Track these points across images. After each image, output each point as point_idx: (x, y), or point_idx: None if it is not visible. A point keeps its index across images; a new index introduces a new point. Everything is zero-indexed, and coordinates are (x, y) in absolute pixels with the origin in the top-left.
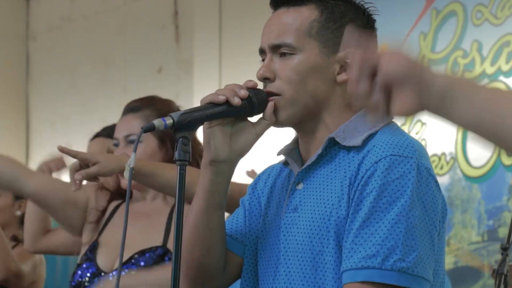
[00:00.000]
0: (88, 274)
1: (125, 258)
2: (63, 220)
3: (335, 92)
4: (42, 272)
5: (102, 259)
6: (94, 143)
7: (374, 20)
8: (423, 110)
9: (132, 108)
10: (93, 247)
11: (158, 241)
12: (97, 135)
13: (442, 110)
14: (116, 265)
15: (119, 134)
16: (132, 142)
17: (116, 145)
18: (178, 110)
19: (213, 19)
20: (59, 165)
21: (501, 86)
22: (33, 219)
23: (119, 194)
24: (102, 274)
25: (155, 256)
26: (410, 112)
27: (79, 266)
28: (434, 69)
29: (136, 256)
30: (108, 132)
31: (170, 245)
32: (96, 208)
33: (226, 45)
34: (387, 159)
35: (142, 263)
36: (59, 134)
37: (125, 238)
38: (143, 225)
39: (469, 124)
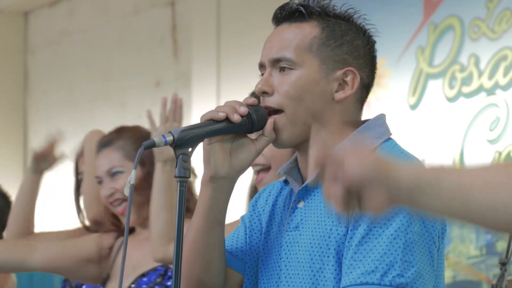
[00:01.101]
0: None
1: (129, 282)
2: (83, 278)
3: (333, 109)
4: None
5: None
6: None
7: (374, 42)
8: (394, 205)
9: (105, 142)
10: (105, 280)
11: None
12: None
13: (413, 203)
14: (141, 270)
15: (100, 171)
16: (115, 173)
17: (100, 182)
18: (148, 133)
19: (211, 33)
20: (50, 151)
21: (498, 100)
22: (18, 217)
23: (122, 230)
24: None
25: (155, 275)
26: (382, 210)
27: None
28: (399, 164)
29: (138, 279)
30: None
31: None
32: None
33: (224, 59)
34: None
35: (144, 286)
36: (57, 148)
37: (126, 258)
38: (146, 250)
39: (442, 213)
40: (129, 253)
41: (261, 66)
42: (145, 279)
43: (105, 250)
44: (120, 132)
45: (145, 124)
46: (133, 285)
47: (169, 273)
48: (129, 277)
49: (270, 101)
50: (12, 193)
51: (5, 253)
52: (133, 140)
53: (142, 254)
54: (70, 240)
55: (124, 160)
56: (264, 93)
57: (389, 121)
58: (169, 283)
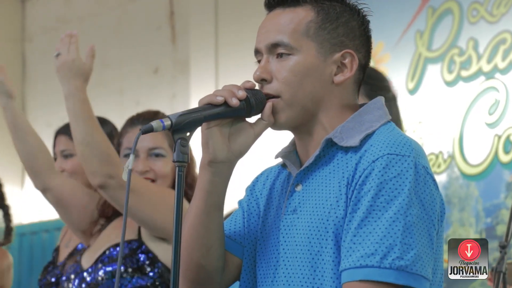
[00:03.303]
0: (72, 275)
1: (99, 253)
2: (76, 225)
3: (332, 93)
4: (9, 280)
5: (85, 258)
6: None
7: (368, 21)
8: None
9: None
10: (83, 251)
11: (133, 235)
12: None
13: None
14: (92, 261)
15: (140, 145)
16: (158, 155)
17: (127, 155)
18: None
19: (209, 19)
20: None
21: (497, 83)
22: (38, 153)
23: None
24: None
25: (127, 250)
26: None
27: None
28: None
29: (110, 249)
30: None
31: (145, 238)
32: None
33: (222, 45)
34: (384, 158)
35: (114, 255)
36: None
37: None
38: (119, 223)
39: None
40: (109, 230)
41: (257, 52)
42: (116, 250)
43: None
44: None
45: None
46: (107, 252)
47: (143, 248)
48: (102, 247)
49: (270, 88)
50: (10, 179)
51: (40, 151)
52: None
53: (114, 227)
54: (82, 186)
55: (168, 146)
56: (263, 80)
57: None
58: (141, 257)
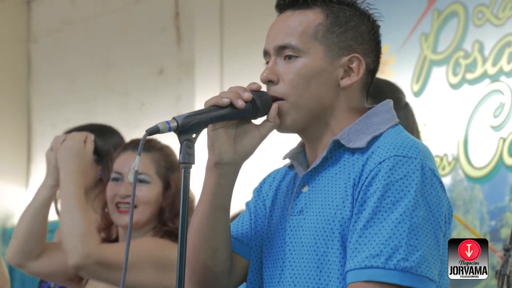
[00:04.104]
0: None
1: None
2: (61, 282)
3: (338, 96)
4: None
5: None
6: None
7: (379, 26)
8: None
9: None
10: (83, 282)
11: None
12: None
13: None
14: None
15: (126, 169)
16: (142, 180)
17: (117, 179)
18: (175, 158)
19: (214, 21)
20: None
21: (502, 86)
22: (30, 235)
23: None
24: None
25: None
26: None
27: None
28: None
29: None
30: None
31: None
32: None
33: (227, 47)
34: (391, 160)
35: None
36: None
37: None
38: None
39: None
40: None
41: (266, 54)
42: None
43: None
44: (155, 144)
45: (148, 112)
46: None
47: None
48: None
49: (275, 90)
50: (15, 179)
51: (36, 236)
52: (164, 158)
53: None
54: (59, 250)
55: (155, 173)
56: (270, 81)
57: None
58: None
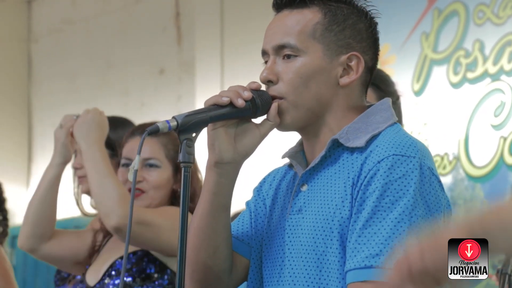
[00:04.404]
0: None
1: (105, 268)
2: (70, 269)
3: (338, 95)
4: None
5: (90, 276)
6: None
7: (376, 23)
8: None
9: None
10: (86, 270)
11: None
12: None
13: None
14: (99, 277)
15: (135, 155)
16: (152, 165)
17: (126, 165)
18: None
19: (215, 20)
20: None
21: (503, 85)
22: (40, 217)
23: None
24: None
25: (134, 259)
26: None
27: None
28: None
29: (116, 262)
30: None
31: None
32: (93, 246)
33: (228, 46)
34: (390, 159)
35: (121, 267)
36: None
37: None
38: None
39: None
40: (110, 244)
41: (264, 53)
42: (139, 253)
43: (97, 244)
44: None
45: (148, 112)
46: (117, 263)
47: (150, 257)
48: (107, 262)
49: (275, 90)
50: (16, 179)
51: (47, 220)
52: (173, 142)
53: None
54: (71, 234)
55: (164, 157)
56: (269, 81)
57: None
58: (148, 267)
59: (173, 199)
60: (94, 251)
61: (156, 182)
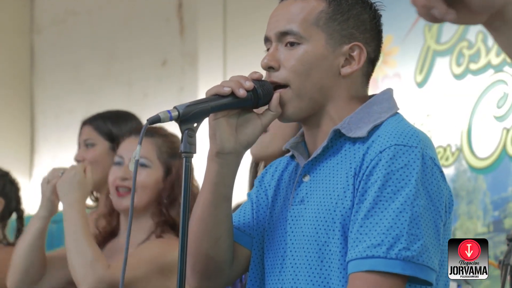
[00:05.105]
0: None
1: None
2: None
3: (339, 85)
4: None
5: None
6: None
7: (380, 15)
8: (477, 17)
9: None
10: None
11: None
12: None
13: (499, 21)
14: None
15: (127, 153)
16: (142, 165)
17: (119, 163)
18: (177, 143)
19: (218, 12)
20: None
21: (506, 77)
22: (29, 265)
23: (109, 235)
24: None
25: None
26: (465, 19)
27: None
28: None
29: None
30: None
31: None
32: None
33: (230, 37)
34: (392, 149)
35: None
36: (63, 128)
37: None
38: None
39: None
40: (106, 253)
41: (267, 40)
42: None
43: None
44: (159, 130)
45: (151, 103)
46: None
47: None
48: None
49: (277, 76)
50: (18, 170)
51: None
52: (167, 144)
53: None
54: (62, 261)
55: (156, 158)
56: (270, 68)
57: (396, 99)
58: None
59: (158, 203)
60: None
61: (143, 182)
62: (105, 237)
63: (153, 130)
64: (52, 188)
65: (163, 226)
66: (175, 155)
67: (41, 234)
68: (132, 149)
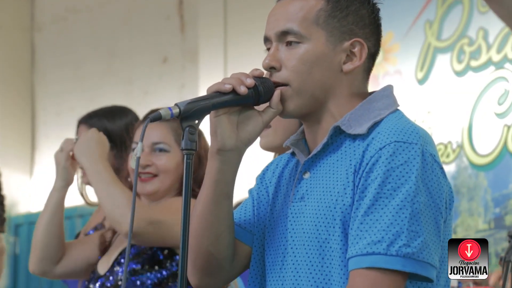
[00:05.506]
0: (90, 285)
1: (114, 256)
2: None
3: (341, 81)
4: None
5: (101, 265)
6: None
7: (379, 9)
8: None
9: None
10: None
11: None
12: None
13: None
14: (109, 266)
15: (145, 139)
16: (161, 150)
17: (134, 149)
18: None
19: (218, 9)
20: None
21: (507, 74)
22: (49, 241)
23: None
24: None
25: (143, 246)
26: None
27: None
28: None
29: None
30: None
31: None
32: (104, 247)
33: (231, 34)
34: (392, 146)
35: (130, 254)
36: (64, 125)
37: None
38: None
39: None
40: (121, 236)
41: (267, 40)
42: (132, 248)
43: (106, 244)
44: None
45: (152, 100)
46: (120, 256)
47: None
48: (116, 251)
49: (278, 76)
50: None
51: (55, 241)
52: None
53: None
54: (79, 245)
55: (174, 141)
56: (272, 68)
57: (397, 96)
58: (156, 253)
59: (181, 186)
60: (105, 250)
61: (164, 167)
62: None
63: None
64: (66, 155)
65: None
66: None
67: (60, 204)
68: (150, 133)
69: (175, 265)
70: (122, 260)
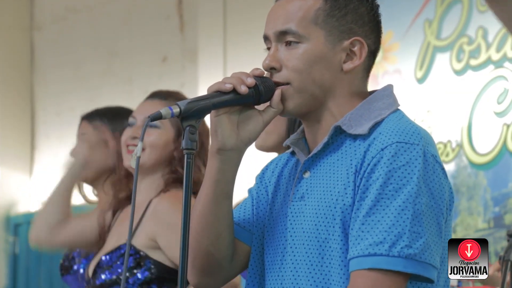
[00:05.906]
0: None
1: (113, 246)
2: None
3: (341, 81)
4: None
5: (90, 267)
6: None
7: (378, 6)
8: None
9: (157, 93)
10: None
11: (123, 240)
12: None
13: None
14: (107, 249)
15: (139, 114)
16: (152, 126)
17: (131, 125)
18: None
19: (218, 8)
20: None
21: (506, 72)
22: (57, 208)
23: (121, 202)
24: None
25: (115, 256)
26: None
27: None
28: None
29: (101, 258)
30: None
31: (135, 242)
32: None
33: (230, 34)
34: (393, 146)
35: (104, 264)
36: (64, 125)
37: (114, 228)
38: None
39: None
40: (118, 222)
41: (266, 39)
42: (122, 251)
43: (106, 228)
44: (173, 94)
45: None
46: (107, 256)
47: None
48: (113, 243)
49: (279, 77)
50: (19, 167)
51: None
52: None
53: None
54: (80, 222)
55: (167, 120)
56: (272, 68)
57: (396, 95)
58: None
59: (170, 163)
60: (104, 232)
61: (152, 142)
62: (121, 201)
63: (166, 94)
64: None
65: (173, 181)
66: None
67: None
68: (146, 110)
69: (148, 268)
70: (98, 270)
